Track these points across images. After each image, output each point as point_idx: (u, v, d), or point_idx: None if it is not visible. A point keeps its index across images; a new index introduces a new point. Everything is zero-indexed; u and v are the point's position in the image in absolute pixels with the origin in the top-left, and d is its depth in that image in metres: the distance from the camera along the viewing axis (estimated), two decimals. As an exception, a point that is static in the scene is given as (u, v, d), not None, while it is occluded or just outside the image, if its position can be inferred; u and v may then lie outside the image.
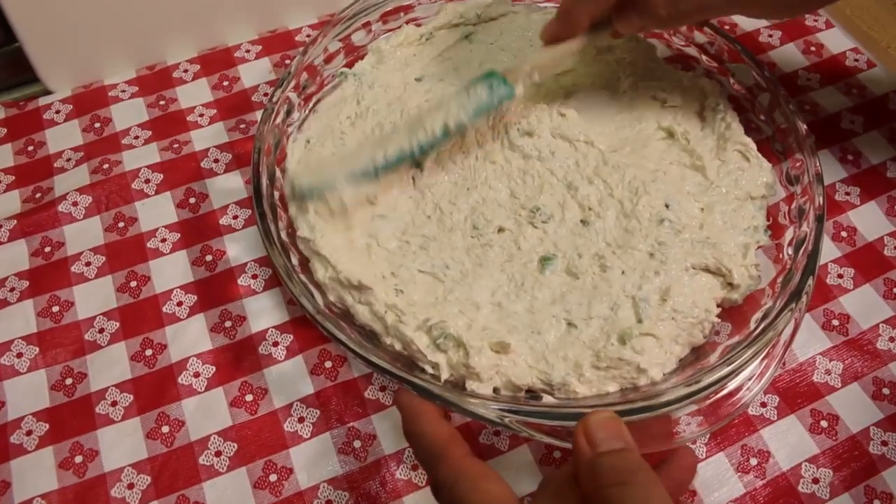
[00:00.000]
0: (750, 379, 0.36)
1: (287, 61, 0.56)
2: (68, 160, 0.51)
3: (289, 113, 0.47)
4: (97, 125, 0.53)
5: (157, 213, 0.49)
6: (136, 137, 0.52)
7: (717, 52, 0.49)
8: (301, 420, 0.42)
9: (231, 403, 0.42)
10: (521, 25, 0.52)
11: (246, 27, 0.57)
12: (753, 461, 0.41)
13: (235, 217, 0.49)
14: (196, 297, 0.46)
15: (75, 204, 0.49)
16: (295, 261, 0.41)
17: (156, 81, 0.55)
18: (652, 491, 0.26)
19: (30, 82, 0.55)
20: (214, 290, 0.46)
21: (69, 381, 0.43)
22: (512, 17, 0.53)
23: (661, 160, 0.45)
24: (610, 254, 0.41)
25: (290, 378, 0.43)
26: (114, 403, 0.42)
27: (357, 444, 0.41)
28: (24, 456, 0.40)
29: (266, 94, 0.55)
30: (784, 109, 0.45)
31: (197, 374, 0.43)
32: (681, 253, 0.41)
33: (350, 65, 0.51)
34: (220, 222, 0.49)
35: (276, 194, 0.44)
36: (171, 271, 0.47)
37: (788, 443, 0.41)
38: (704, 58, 0.50)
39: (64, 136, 0.52)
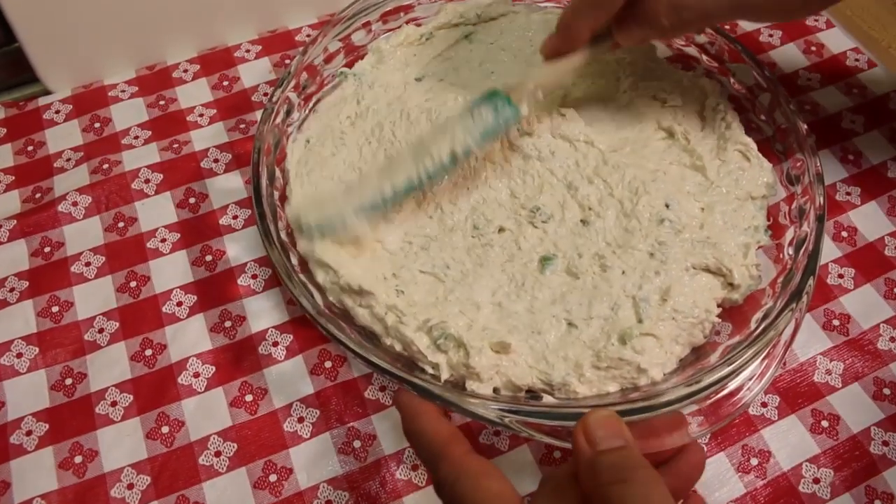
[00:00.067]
0: (750, 379, 0.36)
1: (287, 61, 0.56)
2: (68, 160, 0.51)
3: (289, 113, 0.47)
4: (97, 125, 0.53)
5: (156, 213, 0.49)
6: (136, 137, 0.52)
7: (718, 51, 0.49)
8: (301, 420, 0.42)
9: (231, 403, 0.42)
10: (522, 25, 0.52)
11: (246, 27, 0.57)
12: (754, 461, 0.41)
13: (235, 217, 0.49)
14: (196, 297, 0.46)
15: (75, 204, 0.49)
16: (295, 261, 0.41)
17: (156, 81, 0.55)
18: (652, 488, 0.26)
19: (29, 82, 0.55)
20: (214, 290, 0.46)
21: (69, 381, 0.43)
22: (512, 17, 0.53)
23: (662, 160, 0.45)
24: (610, 254, 0.41)
25: (289, 378, 0.43)
26: (113, 403, 0.42)
27: (357, 444, 0.41)
28: (23, 456, 0.40)
29: (266, 94, 0.55)
30: (784, 109, 0.45)
31: (197, 375, 0.43)
32: (681, 253, 0.41)
33: (350, 65, 0.51)
34: (220, 222, 0.49)
35: (276, 194, 0.44)
36: (170, 271, 0.47)
37: (789, 443, 0.41)
38: (705, 58, 0.50)
39: (64, 136, 0.52)
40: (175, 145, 0.52)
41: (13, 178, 0.51)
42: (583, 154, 0.44)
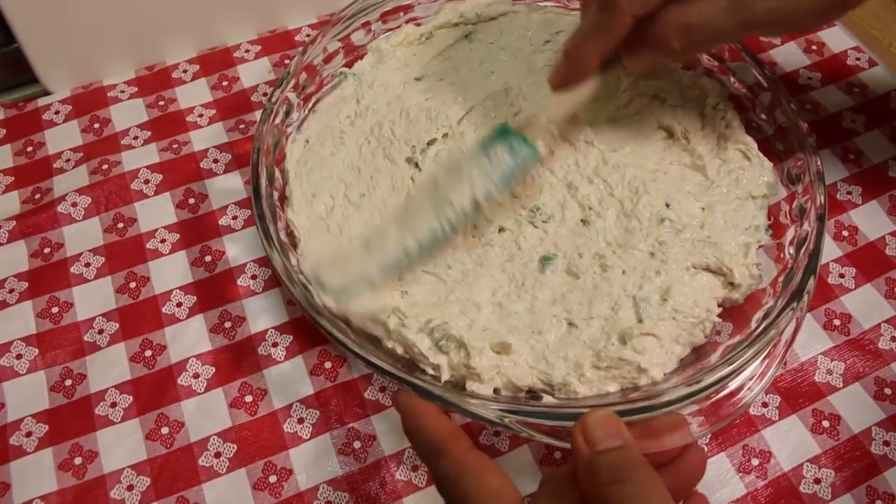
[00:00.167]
0: (751, 379, 0.36)
1: (286, 61, 0.56)
2: (67, 161, 0.51)
3: (288, 113, 0.47)
4: (96, 126, 0.53)
5: (156, 213, 0.49)
6: (136, 138, 0.52)
7: (718, 50, 0.49)
8: (301, 421, 0.42)
9: (231, 404, 0.42)
10: (522, 25, 0.52)
11: (245, 27, 0.57)
12: (755, 461, 0.41)
13: (235, 217, 0.49)
14: (195, 298, 0.46)
15: (74, 205, 0.49)
16: (294, 261, 0.41)
17: (155, 82, 0.55)
18: (651, 488, 0.26)
19: (29, 83, 0.55)
20: (214, 291, 0.46)
21: (68, 382, 0.43)
22: (512, 17, 0.53)
23: (662, 160, 0.45)
24: (610, 253, 0.41)
25: (289, 379, 0.43)
26: (113, 405, 0.42)
27: (357, 444, 0.41)
28: (23, 457, 0.40)
29: (265, 95, 0.54)
30: (785, 108, 0.45)
31: (196, 375, 0.43)
32: (681, 252, 0.41)
33: (349, 64, 0.51)
34: (220, 223, 0.49)
35: (276, 194, 0.44)
36: (170, 272, 0.47)
37: (790, 443, 0.41)
38: (705, 57, 0.50)
39: (63, 137, 0.52)
40: (174, 146, 0.52)
41: (13, 178, 0.51)
42: (583, 154, 0.44)
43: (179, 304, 0.45)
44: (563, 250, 0.41)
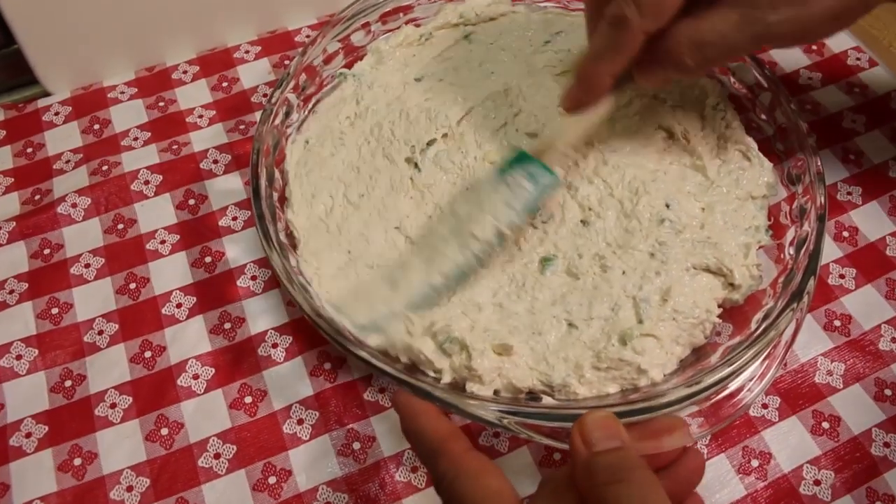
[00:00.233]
0: (751, 380, 0.36)
1: (286, 62, 0.56)
2: (67, 162, 0.51)
3: (288, 114, 0.47)
4: (96, 127, 0.53)
5: (156, 214, 0.49)
6: (136, 139, 0.52)
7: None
8: (300, 422, 0.42)
9: (230, 405, 0.42)
10: (521, 25, 0.52)
11: (245, 28, 0.57)
12: (755, 463, 0.41)
13: (235, 218, 0.49)
14: (195, 299, 0.46)
15: (74, 205, 0.49)
16: (294, 262, 0.41)
17: (155, 83, 0.55)
18: (648, 489, 0.26)
19: (29, 84, 0.55)
20: (214, 292, 0.46)
21: (68, 383, 0.43)
22: (512, 17, 0.53)
23: (662, 160, 0.45)
24: (610, 254, 0.41)
25: (289, 380, 0.43)
26: (113, 405, 0.42)
27: (356, 445, 0.41)
28: (23, 458, 0.40)
29: (265, 95, 0.54)
30: (785, 108, 0.45)
31: (196, 376, 0.43)
32: (681, 253, 0.41)
33: (349, 65, 0.51)
34: (220, 224, 0.49)
35: (276, 195, 0.44)
36: (170, 273, 0.47)
37: (790, 444, 0.41)
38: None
39: (63, 138, 0.52)
40: (174, 146, 0.52)
41: (12, 180, 0.51)
42: (582, 154, 0.44)
43: (179, 305, 0.45)
44: (563, 251, 0.41)
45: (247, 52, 0.57)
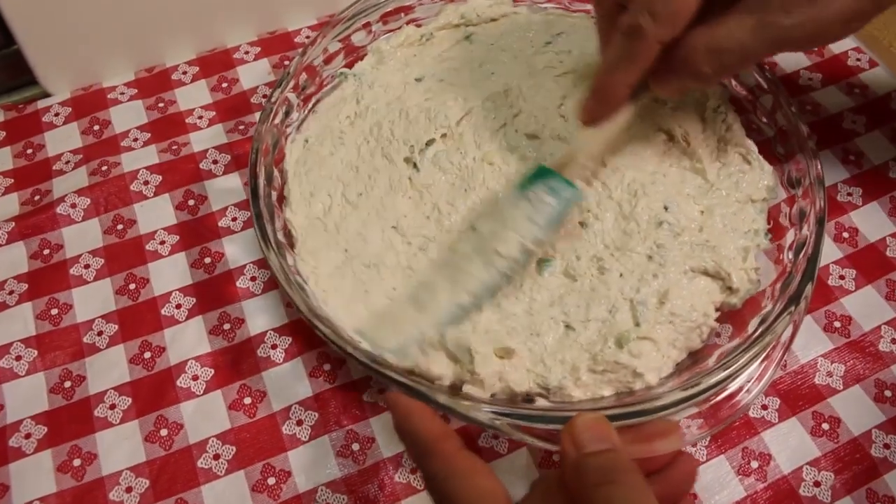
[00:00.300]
0: (749, 381, 0.35)
1: (286, 63, 0.56)
2: (67, 163, 0.51)
3: (287, 113, 0.47)
4: (96, 127, 0.53)
5: (155, 215, 0.49)
6: (135, 139, 0.52)
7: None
8: (299, 423, 0.42)
9: (229, 406, 0.42)
10: (522, 26, 0.52)
11: (245, 28, 0.57)
12: (754, 464, 0.40)
13: (234, 219, 0.49)
14: (195, 300, 0.46)
15: (74, 206, 0.49)
16: (291, 261, 0.41)
17: (155, 83, 0.55)
18: (637, 491, 0.26)
19: (29, 85, 0.55)
20: (213, 293, 0.46)
21: (68, 384, 0.43)
22: (513, 18, 0.53)
23: (661, 162, 0.44)
24: (608, 256, 0.41)
25: (288, 381, 0.43)
26: (112, 406, 0.42)
27: (356, 447, 0.41)
28: (22, 459, 0.40)
29: (265, 96, 0.54)
30: (786, 111, 0.45)
31: (195, 377, 0.43)
32: (679, 256, 0.41)
33: (350, 65, 0.51)
34: (219, 224, 0.49)
35: (274, 195, 0.44)
36: (169, 273, 0.47)
37: (789, 445, 0.41)
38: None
39: (63, 139, 0.52)
40: (174, 147, 0.52)
41: (12, 180, 0.51)
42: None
43: (179, 306, 0.45)
44: (561, 252, 0.41)
45: (246, 52, 0.57)
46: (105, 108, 0.54)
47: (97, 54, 0.54)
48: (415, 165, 0.45)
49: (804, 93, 0.55)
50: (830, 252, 0.47)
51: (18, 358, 0.43)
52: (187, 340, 0.44)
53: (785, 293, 0.38)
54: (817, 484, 0.40)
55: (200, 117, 0.53)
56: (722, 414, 0.35)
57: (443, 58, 0.51)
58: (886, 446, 0.41)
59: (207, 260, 0.47)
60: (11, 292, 0.46)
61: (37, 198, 0.50)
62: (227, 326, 0.45)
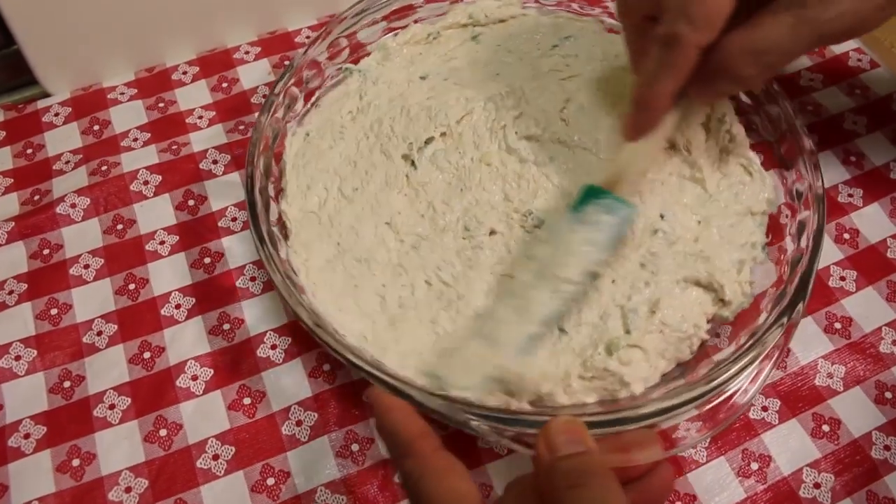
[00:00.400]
0: (745, 383, 0.35)
1: (286, 62, 0.56)
2: (67, 162, 0.51)
3: (289, 107, 0.47)
4: (96, 127, 0.53)
5: (155, 215, 0.49)
6: (135, 139, 0.52)
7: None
8: (299, 423, 0.42)
9: (229, 406, 0.42)
10: (530, 28, 0.52)
11: (245, 28, 0.57)
12: (754, 466, 0.40)
13: (234, 219, 0.49)
14: (194, 300, 0.46)
15: (73, 206, 0.49)
16: (283, 254, 0.41)
17: (155, 83, 0.55)
18: (609, 494, 0.26)
19: (28, 85, 0.55)
20: (213, 293, 0.46)
21: (67, 383, 0.43)
22: (521, 20, 0.52)
23: (661, 170, 0.44)
24: None
25: (288, 381, 0.43)
26: (112, 406, 0.42)
27: (355, 447, 0.41)
28: (21, 459, 0.40)
29: (265, 96, 0.54)
30: (790, 122, 0.44)
31: (195, 377, 0.43)
32: (673, 265, 0.40)
33: (355, 61, 0.51)
34: (219, 224, 0.49)
35: (273, 188, 0.44)
36: (169, 274, 0.47)
37: (790, 447, 0.41)
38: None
39: (63, 139, 0.52)
40: (174, 147, 0.52)
41: (12, 180, 0.51)
42: (580, 161, 0.44)
43: (178, 306, 0.45)
44: None
45: (247, 52, 0.57)
46: (105, 108, 0.54)
47: (97, 54, 0.54)
48: (412, 163, 0.45)
49: (805, 93, 0.54)
50: (831, 253, 0.47)
51: (18, 358, 0.43)
52: (187, 340, 0.44)
53: (777, 307, 0.38)
54: (817, 486, 0.40)
55: (200, 117, 0.53)
56: (720, 416, 0.35)
57: (448, 57, 0.51)
58: (887, 448, 0.41)
59: (207, 260, 0.47)
60: (11, 292, 0.46)
61: (36, 198, 0.50)
62: (226, 326, 0.45)
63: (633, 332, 0.38)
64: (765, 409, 0.42)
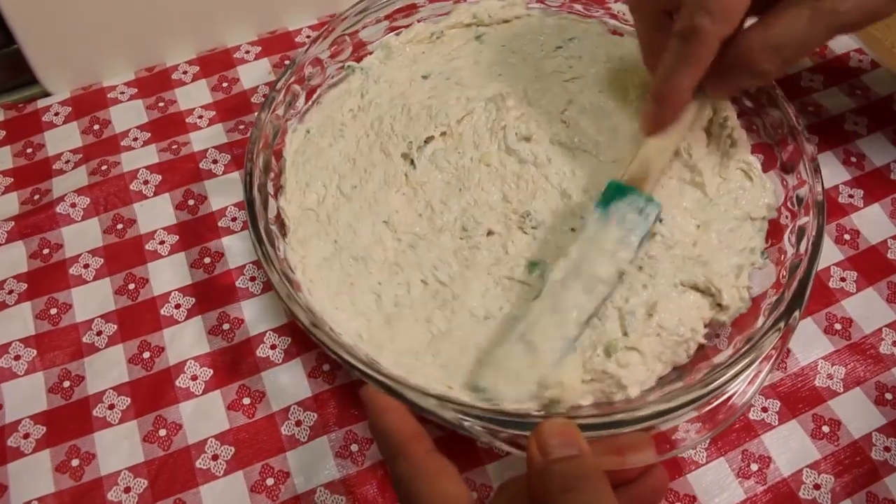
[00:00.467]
0: (743, 384, 0.35)
1: (286, 62, 0.56)
2: (67, 162, 0.51)
3: (290, 104, 0.47)
4: (96, 127, 0.53)
5: (155, 214, 0.49)
6: (135, 139, 0.52)
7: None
8: (298, 423, 0.41)
9: (228, 407, 0.42)
10: (534, 29, 0.51)
11: (245, 28, 0.57)
12: (754, 467, 0.40)
13: (234, 219, 0.49)
14: (194, 300, 0.46)
15: (73, 205, 0.49)
16: (281, 249, 0.41)
17: (155, 83, 0.55)
18: (602, 498, 0.26)
19: (29, 84, 0.55)
20: (212, 293, 0.46)
21: (67, 383, 0.43)
22: (526, 21, 0.52)
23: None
24: None
25: (287, 381, 0.43)
26: (111, 406, 0.42)
27: (354, 447, 0.41)
28: (21, 459, 0.40)
29: (265, 96, 0.54)
30: (791, 126, 0.44)
31: (194, 377, 0.43)
32: (670, 269, 0.40)
33: (358, 59, 0.50)
34: (219, 224, 0.49)
35: (272, 185, 0.44)
36: (169, 273, 0.47)
37: (790, 448, 0.41)
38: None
39: (63, 139, 0.52)
40: (174, 146, 0.52)
41: (12, 180, 0.51)
42: (580, 163, 0.44)
43: (178, 306, 0.45)
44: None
45: (247, 52, 0.57)
46: (105, 107, 0.54)
47: (97, 54, 0.54)
48: (412, 162, 0.45)
49: (806, 94, 0.54)
50: (831, 254, 0.47)
51: (17, 357, 0.43)
52: (186, 340, 0.44)
53: (774, 312, 0.37)
54: (817, 487, 0.40)
55: (200, 117, 0.53)
56: (719, 417, 0.35)
57: (451, 56, 0.51)
58: (887, 449, 0.41)
59: (207, 260, 0.47)
60: (11, 292, 0.46)
61: (36, 197, 0.50)
62: (226, 326, 0.45)
63: (631, 334, 0.38)
64: (765, 410, 0.42)
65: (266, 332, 0.44)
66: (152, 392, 0.42)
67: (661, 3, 0.39)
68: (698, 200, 0.43)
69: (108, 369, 0.43)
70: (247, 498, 0.39)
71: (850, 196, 0.50)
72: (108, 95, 0.54)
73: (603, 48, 0.49)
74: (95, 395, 0.42)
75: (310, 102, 0.48)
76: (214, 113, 0.54)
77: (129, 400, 0.42)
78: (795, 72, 0.56)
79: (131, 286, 0.46)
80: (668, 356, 0.39)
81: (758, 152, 0.45)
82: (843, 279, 0.47)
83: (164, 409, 0.42)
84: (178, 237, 0.48)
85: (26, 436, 0.41)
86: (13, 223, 0.48)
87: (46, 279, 0.46)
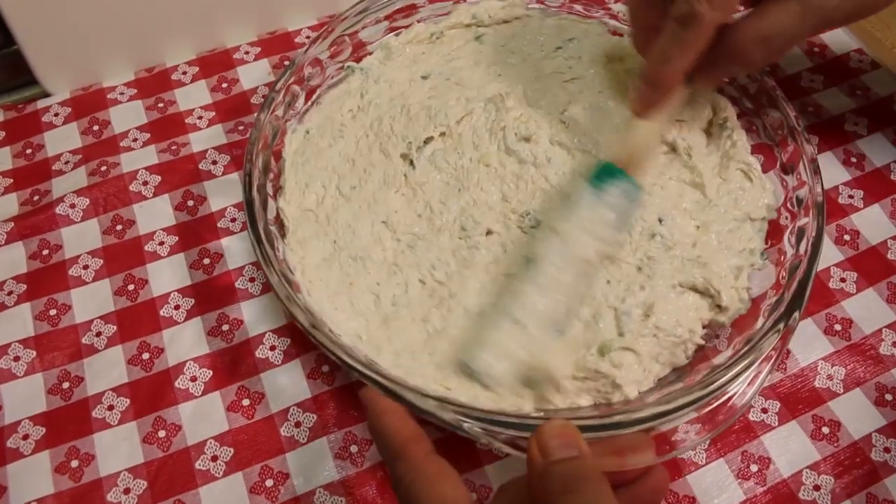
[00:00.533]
0: (743, 385, 0.35)
1: (286, 62, 0.56)
2: (66, 163, 0.51)
3: (290, 104, 0.47)
4: (96, 128, 0.53)
5: (154, 215, 0.49)
6: (135, 140, 0.52)
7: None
8: (298, 425, 0.41)
9: (228, 408, 0.42)
10: (534, 30, 0.51)
11: (245, 29, 0.57)
12: (754, 467, 0.40)
13: (233, 220, 0.49)
14: (193, 301, 0.46)
15: (73, 206, 0.49)
16: (280, 249, 0.41)
17: (154, 83, 0.55)
18: (602, 499, 0.26)
19: (28, 85, 0.55)
20: (212, 294, 0.46)
21: (66, 384, 0.43)
22: (525, 21, 0.52)
23: (661, 174, 0.44)
24: None
25: (286, 382, 0.43)
26: (110, 407, 0.42)
27: (354, 448, 0.41)
28: (20, 460, 0.40)
29: (265, 96, 0.54)
30: (791, 127, 0.44)
31: (194, 378, 0.43)
32: (669, 270, 0.40)
33: (357, 60, 0.50)
34: (218, 225, 0.49)
35: (271, 186, 0.44)
36: (168, 274, 0.47)
37: (789, 449, 0.41)
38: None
39: (62, 139, 0.52)
40: (174, 147, 0.52)
41: (11, 180, 0.51)
42: (579, 163, 0.44)
43: (177, 307, 0.45)
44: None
45: (247, 52, 0.57)
46: (105, 108, 0.54)
47: (97, 54, 0.54)
48: (411, 162, 0.45)
49: (806, 94, 0.54)
50: (831, 255, 0.47)
51: (17, 358, 0.43)
52: (186, 341, 0.44)
53: (774, 313, 0.37)
54: (817, 488, 0.40)
55: (200, 117, 0.53)
56: (719, 418, 0.35)
57: (451, 57, 0.51)
58: (887, 450, 0.41)
59: (206, 261, 0.47)
60: (10, 293, 0.46)
61: (36, 198, 0.50)
62: (225, 328, 0.45)
63: (626, 334, 0.38)
64: (764, 410, 0.42)
65: (265, 333, 0.44)
66: (152, 393, 0.42)
67: None
68: (698, 201, 0.43)
69: (107, 370, 0.43)
70: (246, 499, 0.39)
71: (850, 196, 0.50)
72: (108, 96, 0.54)
73: (603, 49, 0.49)
74: (95, 396, 0.42)
75: (309, 103, 0.48)
76: (214, 113, 0.54)
77: (128, 401, 0.42)
78: (795, 72, 0.56)
79: (131, 287, 0.46)
80: (666, 357, 0.39)
81: (758, 153, 0.45)
82: (842, 280, 0.47)
83: (163, 411, 0.42)
84: (177, 238, 0.48)
85: (26, 437, 0.41)
86: (13, 224, 0.48)
87: (46, 280, 0.46)
